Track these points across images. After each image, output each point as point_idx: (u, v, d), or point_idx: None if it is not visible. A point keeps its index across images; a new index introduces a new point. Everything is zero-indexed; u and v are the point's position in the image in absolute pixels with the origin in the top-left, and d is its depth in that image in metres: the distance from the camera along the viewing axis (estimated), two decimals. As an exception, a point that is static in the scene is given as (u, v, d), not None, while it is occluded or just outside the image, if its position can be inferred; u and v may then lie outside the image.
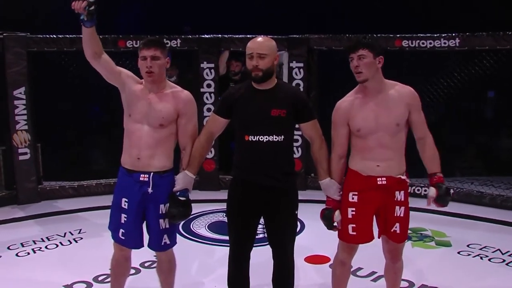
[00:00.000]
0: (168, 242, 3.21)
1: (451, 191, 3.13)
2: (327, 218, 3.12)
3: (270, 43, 3.04)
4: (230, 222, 3.19)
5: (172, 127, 3.15)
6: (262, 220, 3.19)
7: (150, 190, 3.11)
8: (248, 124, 3.01)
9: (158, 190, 3.11)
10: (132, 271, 4.00)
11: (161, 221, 3.14)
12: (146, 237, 3.24)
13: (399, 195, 3.09)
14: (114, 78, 3.16)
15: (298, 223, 5.27)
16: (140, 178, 3.11)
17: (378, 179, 3.04)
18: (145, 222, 3.21)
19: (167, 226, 3.16)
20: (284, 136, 3.02)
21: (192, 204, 3.15)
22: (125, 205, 3.15)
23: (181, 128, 3.16)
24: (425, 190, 3.24)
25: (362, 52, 2.96)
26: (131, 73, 3.23)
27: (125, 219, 3.15)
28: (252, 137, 2.99)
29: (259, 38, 3.05)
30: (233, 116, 3.08)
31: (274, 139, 2.99)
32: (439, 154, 3.16)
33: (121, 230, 3.16)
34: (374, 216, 3.16)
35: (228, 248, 3.24)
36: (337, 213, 3.11)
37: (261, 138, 2.98)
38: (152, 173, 3.11)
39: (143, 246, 3.24)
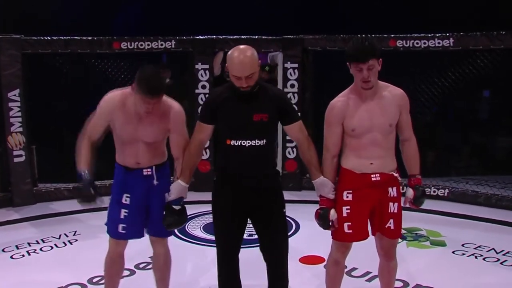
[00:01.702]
0: None
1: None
2: (323, 217, 3.11)
3: (254, 59, 2.91)
4: (216, 225, 3.22)
5: (165, 139, 3.25)
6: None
7: (155, 182, 3.20)
8: (230, 129, 3.01)
9: (162, 180, 3.22)
10: (127, 272, 4.02)
11: None
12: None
13: (392, 191, 3.12)
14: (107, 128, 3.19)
15: (293, 223, 5.32)
16: (144, 173, 3.19)
17: (372, 176, 3.06)
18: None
19: None
20: (266, 139, 3.01)
21: (187, 205, 3.18)
22: (126, 200, 3.20)
23: (173, 141, 3.22)
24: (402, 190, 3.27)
25: (372, 62, 2.92)
26: (111, 102, 3.14)
27: (126, 214, 3.20)
28: (234, 141, 2.98)
29: (243, 58, 2.88)
30: (216, 121, 3.07)
31: (256, 144, 2.98)
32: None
33: (121, 225, 3.20)
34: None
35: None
36: (332, 211, 3.11)
37: (243, 142, 2.97)
38: (154, 166, 3.20)
39: (143, 236, 3.29)
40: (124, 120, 3.12)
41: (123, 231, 3.21)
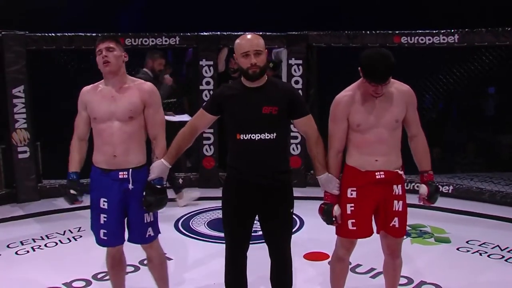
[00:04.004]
0: (152, 234, 3.23)
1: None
2: (326, 213, 3.11)
3: (262, 39, 3.00)
4: (225, 222, 3.19)
5: (140, 118, 3.17)
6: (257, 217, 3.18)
7: (131, 186, 3.13)
8: (240, 123, 2.99)
9: (138, 185, 3.13)
10: (131, 268, 4.03)
11: (145, 215, 3.16)
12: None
13: (397, 189, 3.10)
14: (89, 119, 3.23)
15: (297, 220, 5.33)
16: (119, 176, 3.13)
17: (376, 173, 3.05)
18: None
19: (152, 219, 3.20)
20: (276, 133, 2.99)
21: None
22: (104, 205, 3.15)
23: (149, 118, 3.18)
24: (417, 187, 3.25)
25: (388, 80, 2.91)
26: (81, 92, 3.25)
27: (105, 219, 3.15)
28: (244, 135, 2.97)
29: (250, 36, 2.99)
30: (224, 115, 3.07)
31: (266, 137, 2.96)
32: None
33: (102, 231, 3.17)
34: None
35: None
36: (336, 207, 3.10)
37: (253, 136, 2.96)
38: (130, 170, 3.14)
39: (124, 241, 3.25)
40: (97, 99, 3.14)
41: (105, 238, 3.18)
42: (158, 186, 3.09)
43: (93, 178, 3.21)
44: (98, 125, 3.15)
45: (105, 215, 3.15)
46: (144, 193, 3.09)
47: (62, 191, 3.19)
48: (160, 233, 3.31)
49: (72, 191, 3.12)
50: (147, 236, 3.21)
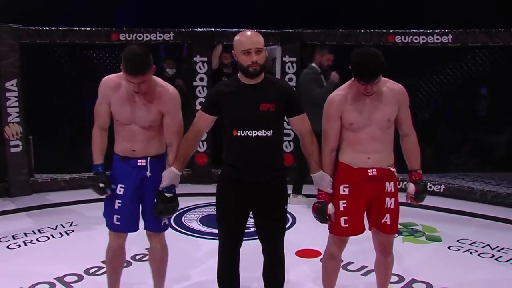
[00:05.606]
0: (167, 222, 3.30)
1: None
2: (320, 211, 3.13)
3: (262, 37, 3.01)
4: (221, 219, 3.19)
5: (161, 124, 3.21)
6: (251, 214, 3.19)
7: (148, 173, 3.18)
8: (237, 120, 3.00)
9: (155, 173, 3.18)
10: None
11: None
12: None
13: (389, 187, 3.13)
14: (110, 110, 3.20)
15: (290, 217, 5.34)
16: (138, 163, 3.18)
17: (369, 170, 3.08)
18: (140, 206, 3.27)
19: None
20: (273, 130, 3.00)
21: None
22: (120, 191, 3.19)
23: (166, 125, 3.19)
24: (405, 185, 3.29)
25: (378, 79, 2.93)
26: (105, 84, 3.18)
27: (120, 205, 3.19)
28: (241, 132, 2.98)
29: (250, 33, 3.00)
30: (221, 112, 3.07)
31: (263, 134, 2.98)
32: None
33: (116, 216, 3.20)
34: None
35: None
36: (330, 205, 3.12)
37: (250, 133, 2.97)
38: (149, 158, 3.18)
39: (138, 229, 3.28)
40: (118, 101, 3.13)
41: (118, 223, 3.21)
42: (168, 195, 3.14)
43: (114, 166, 3.26)
44: (120, 125, 3.19)
45: (120, 201, 3.19)
46: (155, 201, 3.14)
47: (89, 183, 3.20)
48: (169, 223, 3.37)
49: (101, 184, 3.14)
50: (162, 224, 3.27)
